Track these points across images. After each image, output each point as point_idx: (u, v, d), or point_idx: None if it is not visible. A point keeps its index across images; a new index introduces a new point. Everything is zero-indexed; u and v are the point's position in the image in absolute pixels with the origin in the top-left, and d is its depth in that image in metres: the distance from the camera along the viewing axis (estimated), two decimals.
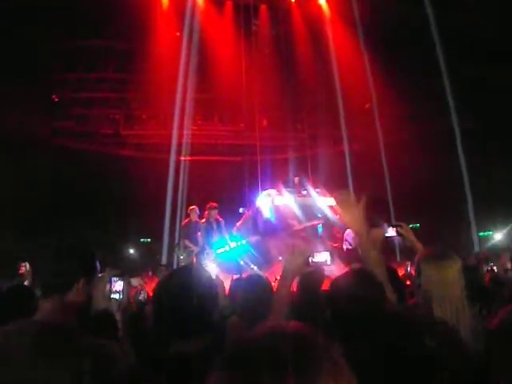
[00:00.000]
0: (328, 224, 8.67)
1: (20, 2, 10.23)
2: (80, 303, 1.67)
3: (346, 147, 13.08)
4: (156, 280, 3.47)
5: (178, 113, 12.44)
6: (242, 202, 10.43)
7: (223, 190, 10.75)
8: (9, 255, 6.21)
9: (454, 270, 1.94)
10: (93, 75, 13.08)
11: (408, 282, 3.37)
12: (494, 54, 10.76)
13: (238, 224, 8.92)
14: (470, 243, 11.19)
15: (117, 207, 10.86)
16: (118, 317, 2.53)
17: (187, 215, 8.48)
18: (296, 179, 9.88)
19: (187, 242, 8.20)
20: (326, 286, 2.86)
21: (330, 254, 7.94)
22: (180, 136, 12.45)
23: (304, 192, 9.56)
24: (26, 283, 4.22)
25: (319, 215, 8.83)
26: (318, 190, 9.42)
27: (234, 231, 8.69)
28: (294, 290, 2.78)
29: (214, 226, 8.19)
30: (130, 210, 10.68)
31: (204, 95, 13.09)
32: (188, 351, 1.29)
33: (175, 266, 8.75)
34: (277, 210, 8.93)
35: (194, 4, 12.76)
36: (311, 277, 2.93)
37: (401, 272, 4.03)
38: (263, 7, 13.78)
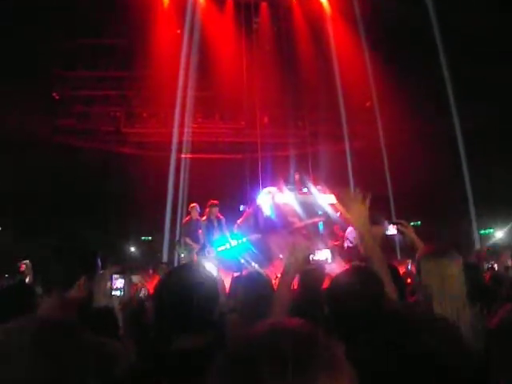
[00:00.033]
0: (329, 222, 8.66)
1: (20, 2, 10.22)
2: (81, 300, 1.67)
3: (346, 145, 13.06)
4: (157, 278, 3.47)
5: (179, 110, 12.43)
6: (243, 199, 10.41)
7: (224, 188, 10.73)
8: (9, 255, 6.22)
9: (454, 268, 1.93)
10: (94, 73, 13.08)
11: (409, 280, 3.37)
12: (494, 54, 10.73)
13: (238, 222, 8.90)
14: (471, 241, 11.19)
15: (117, 205, 10.87)
16: (118, 314, 2.53)
17: (188, 213, 8.48)
18: (297, 177, 9.87)
19: (188, 240, 8.19)
20: (326, 284, 2.85)
21: (331, 251, 7.91)
22: (181, 134, 12.45)
23: (305, 189, 9.54)
24: (26, 281, 4.23)
25: (320, 213, 8.83)
26: (318, 187, 9.40)
27: (235, 229, 8.68)
28: (295, 287, 2.78)
29: (215, 224, 8.18)
30: (130, 208, 10.69)
31: (205, 93, 13.06)
32: (190, 347, 1.29)
33: (176, 264, 8.74)
34: (277, 207, 8.92)
35: (195, 2, 12.73)
36: (312, 274, 2.92)
37: (402, 270, 4.03)
38: (264, 4, 13.74)
